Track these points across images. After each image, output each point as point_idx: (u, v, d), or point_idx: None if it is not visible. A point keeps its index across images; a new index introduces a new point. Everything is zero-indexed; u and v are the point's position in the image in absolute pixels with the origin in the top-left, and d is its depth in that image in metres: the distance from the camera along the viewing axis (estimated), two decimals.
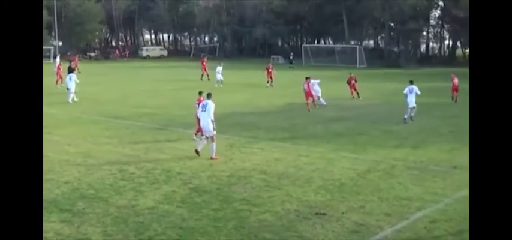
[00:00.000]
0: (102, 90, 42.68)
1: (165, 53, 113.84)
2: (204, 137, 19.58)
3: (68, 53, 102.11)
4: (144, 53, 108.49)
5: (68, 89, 35.92)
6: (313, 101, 32.44)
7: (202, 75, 53.38)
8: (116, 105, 33.85)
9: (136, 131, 24.80)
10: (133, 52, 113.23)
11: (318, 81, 34.42)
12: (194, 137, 21.94)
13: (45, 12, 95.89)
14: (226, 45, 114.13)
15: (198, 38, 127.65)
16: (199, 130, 20.45)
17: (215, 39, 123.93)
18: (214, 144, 18.85)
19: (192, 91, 41.60)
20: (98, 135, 23.74)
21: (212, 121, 18.77)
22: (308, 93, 32.03)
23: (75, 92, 35.91)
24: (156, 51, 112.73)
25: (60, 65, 48.47)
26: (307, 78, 32.70)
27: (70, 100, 35.30)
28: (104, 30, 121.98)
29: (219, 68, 46.92)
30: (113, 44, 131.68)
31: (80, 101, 35.56)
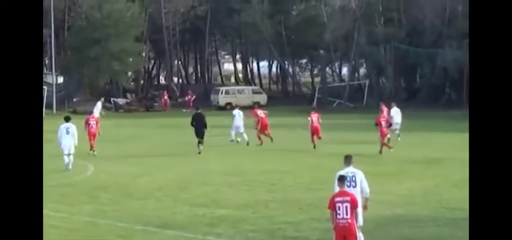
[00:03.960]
0: (140, 172, 43.50)
1: (262, 97, 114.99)
2: None
3: (74, 100, 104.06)
4: (221, 99, 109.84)
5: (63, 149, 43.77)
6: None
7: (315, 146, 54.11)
8: (164, 202, 34.30)
9: None
10: (202, 96, 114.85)
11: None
12: None
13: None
14: (384, 82, 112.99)
15: (326, 70, 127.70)
16: None
17: (361, 70, 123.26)
18: None
19: (315, 173, 41.67)
20: None
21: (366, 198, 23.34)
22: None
23: (73, 154, 43.78)
24: (245, 94, 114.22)
25: (96, 117, 57.49)
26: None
27: (70, 166, 43.47)
28: (144, 55, 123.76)
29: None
30: (162, 80, 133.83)
31: (98, 192, 36.24)
